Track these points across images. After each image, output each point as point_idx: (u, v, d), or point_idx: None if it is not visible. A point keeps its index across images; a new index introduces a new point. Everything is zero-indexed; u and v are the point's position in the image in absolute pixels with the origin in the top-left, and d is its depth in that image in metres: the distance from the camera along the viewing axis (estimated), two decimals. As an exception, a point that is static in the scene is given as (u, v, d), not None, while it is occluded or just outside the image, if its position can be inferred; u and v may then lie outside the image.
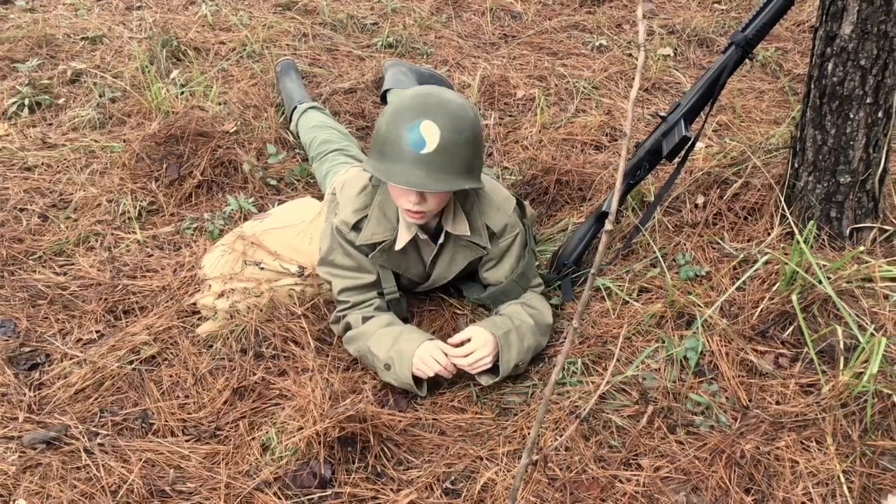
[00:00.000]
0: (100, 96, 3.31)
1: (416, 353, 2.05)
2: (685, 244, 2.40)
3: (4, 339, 2.25)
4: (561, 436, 1.94)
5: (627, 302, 2.28)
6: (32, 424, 2.01)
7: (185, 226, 2.67)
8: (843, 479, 1.78)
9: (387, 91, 3.17)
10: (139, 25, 3.85)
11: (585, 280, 2.39)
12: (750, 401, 1.99)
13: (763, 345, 2.10)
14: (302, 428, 1.93)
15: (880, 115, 2.14)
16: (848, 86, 2.12)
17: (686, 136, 2.28)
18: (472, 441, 1.98)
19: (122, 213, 2.72)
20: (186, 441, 1.99)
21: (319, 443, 1.88)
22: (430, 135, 1.94)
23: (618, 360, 2.12)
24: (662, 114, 2.41)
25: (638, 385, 2.05)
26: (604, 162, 2.88)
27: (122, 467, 1.88)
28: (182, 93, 3.29)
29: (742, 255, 2.29)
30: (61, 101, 3.31)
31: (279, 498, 1.83)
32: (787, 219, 2.30)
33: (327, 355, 2.20)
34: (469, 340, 2.08)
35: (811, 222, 2.20)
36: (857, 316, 2.03)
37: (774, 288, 2.15)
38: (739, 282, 2.19)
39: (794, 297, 2.04)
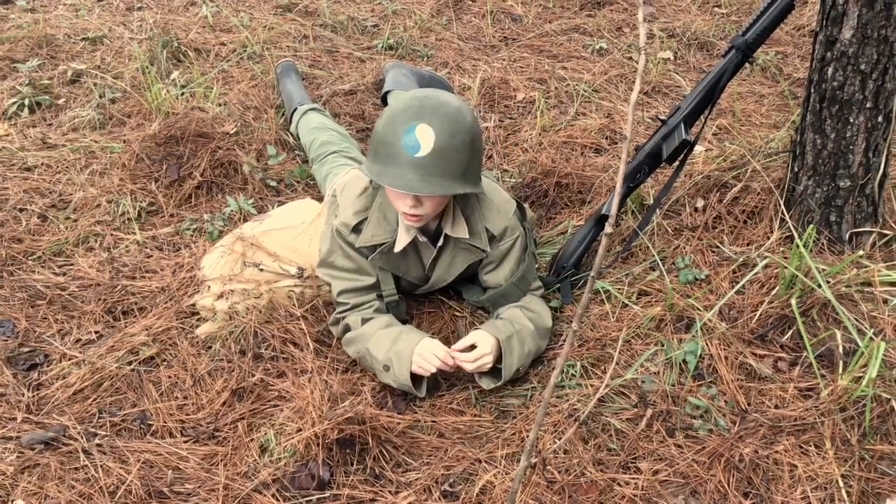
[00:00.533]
0: (100, 97, 3.31)
1: (416, 349, 2.05)
2: (685, 247, 2.40)
3: (3, 339, 2.25)
4: (560, 439, 1.94)
5: (627, 305, 2.28)
6: (31, 425, 2.01)
7: (184, 227, 2.67)
8: (841, 484, 1.78)
9: (387, 93, 3.17)
10: (140, 26, 3.85)
11: (585, 283, 2.40)
12: (749, 404, 1.99)
13: (762, 349, 2.10)
14: (300, 429, 1.93)
15: (880, 119, 2.14)
16: (848, 90, 2.12)
17: (686, 139, 2.29)
18: (470, 443, 1.98)
19: (121, 213, 2.72)
20: (185, 442, 1.98)
21: (318, 444, 1.88)
22: (425, 138, 1.94)
23: (617, 364, 2.12)
24: (662, 117, 2.41)
25: (637, 388, 2.05)
26: (603, 165, 2.88)
27: (121, 468, 1.88)
28: (182, 94, 3.29)
29: (741, 259, 2.29)
30: (61, 101, 3.31)
31: (277, 499, 1.83)
32: (787, 223, 2.30)
33: (326, 357, 2.20)
34: (474, 346, 2.08)
35: (811, 226, 2.20)
36: (857, 320, 2.03)
37: (774, 292, 2.15)
38: (739, 285, 2.19)
39: (793, 301, 2.04)
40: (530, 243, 2.29)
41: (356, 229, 2.15)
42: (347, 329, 2.17)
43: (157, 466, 1.91)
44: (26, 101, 3.26)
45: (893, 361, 1.96)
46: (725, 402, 2.00)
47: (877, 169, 2.22)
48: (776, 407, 1.97)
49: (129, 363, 2.17)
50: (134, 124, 3.15)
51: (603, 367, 2.14)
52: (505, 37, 3.93)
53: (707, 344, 2.10)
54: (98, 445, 1.95)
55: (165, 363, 2.19)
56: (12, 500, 1.81)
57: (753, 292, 2.20)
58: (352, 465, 1.90)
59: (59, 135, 3.13)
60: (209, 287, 2.31)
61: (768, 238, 2.32)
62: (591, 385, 2.10)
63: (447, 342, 2.20)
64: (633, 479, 1.84)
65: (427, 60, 3.69)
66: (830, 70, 2.13)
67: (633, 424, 1.98)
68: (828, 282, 2.07)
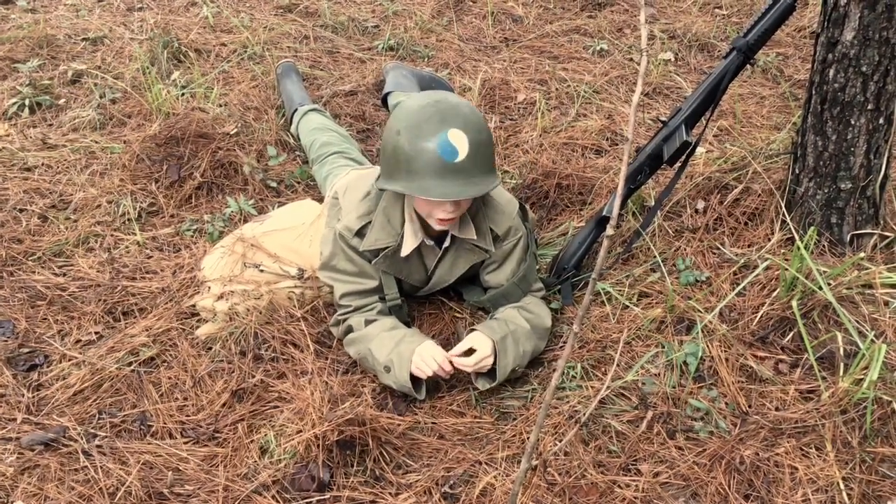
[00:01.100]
0: (100, 97, 3.31)
1: (416, 351, 2.05)
2: (685, 249, 2.40)
3: (3, 339, 2.25)
4: (560, 440, 1.94)
5: (627, 307, 2.28)
6: (31, 426, 2.01)
7: (184, 227, 2.67)
8: (842, 486, 1.77)
9: (388, 94, 3.16)
10: (140, 26, 3.85)
11: (585, 284, 2.39)
12: (749, 407, 1.98)
13: (763, 350, 2.10)
14: (301, 431, 1.93)
15: (881, 121, 2.14)
16: (849, 92, 2.12)
17: (687, 140, 2.28)
18: (471, 445, 1.98)
19: (121, 214, 2.72)
20: (185, 443, 1.98)
21: (318, 446, 1.88)
22: (460, 142, 1.94)
23: (617, 365, 2.12)
24: (663, 118, 2.41)
25: (637, 390, 2.05)
26: (604, 166, 2.88)
27: (121, 469, 1.88)
28: (183, 94, 3.29)
29: (742, 261, 2.28)
30: (62, 101, 3.31)
31: (277, 501, 1.82)
32: (788, 224, 2.30)
33: (326, 358, 2.19)
34: (472, 349, 2.07)
35: (812, 228, 2.20)
36: (858, 322, 2.03)
37: (774, 294, 2.15)
38: (739, 287, 2.19)
39: (794, 303, 2.04)
40: (532, 244, 2.29)
41: (359, 233, 2.14)
42: (350, 330, 2.17)
43: (156, 468, 1.91)
44: (27, 102, 3.26)
45: (894, 364, 1.96)
46: (726, 404, 2.00)
47: (878, 171, 2.21)
48: (777, 409, 1.97)
49: (129, 364, 2.17)
50: (134, 125, 3.15)
51: (603, 369, 2.14)
52: (505, 38, 3.93)
53: (708, 346, 2.10)
54: (98, 446, 1.95)
55: (165, 364, 2.19)
56: (12, 502, 1.81)
57: (754, 294, 2.19)
58: (352, 466, 1.90)
59: (60, 135, 3.13)
60: (209, 288, 2.31)
61: (769, 240, 2.32)
62: (592, 387, 2.09)
63: (447, 344, 2.20)
64: (634, 481, 1.84)
65: (428, 61, 3.69)
66: (832, 72, 2.12)
67: (633, 426, 1.98)
68: (829, 284, 2.07)
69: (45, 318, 2.32)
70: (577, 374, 2.13)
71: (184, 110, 3.11)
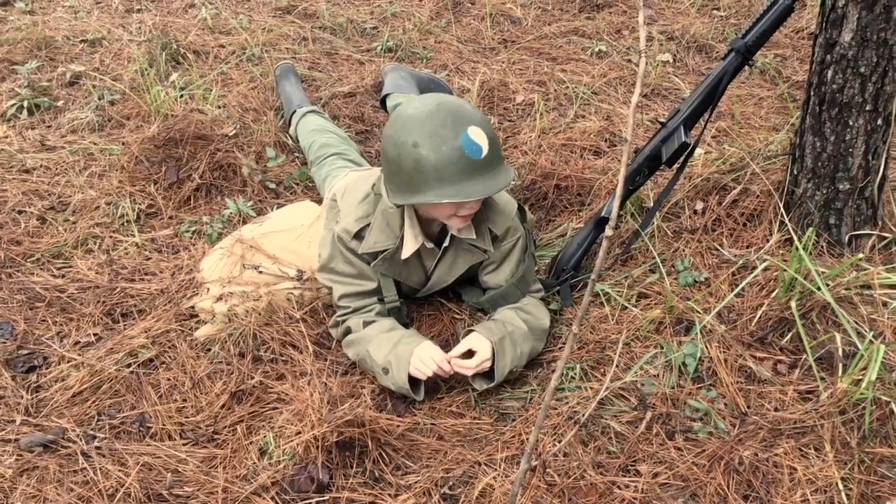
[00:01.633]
0: (99, 99, 3.31)
1: (415, 352, 2.05)
2: (684, 250, 2.40)
3: (2, 341, 2.24)
4: (559, 441, 1.94)
5: (626, 307, 2.28)
6: (29, 427, 2.00)
7: (183, 229, 2.67)
8: (841, 487, 1.78)
9: (387, 95, 3.16)
10: (138, 28, 3.85)
11: (584, 285, 2.39)
12: (748, 407, 1.99)
13: (762, 351, 2.10)
14: (300, 432, 1.93)
15: (879, 122, 2.14)
16: (847, 93, 2.12)
17: (685, 141, 2.28)
18: (470, 446, 1.98)
19: (120, 215, 2.72)
20: (184, 445, 1.98)
21: (317, 447, 1.88)
22: (480, 138, 1.95)
23: (616, 366, 2.12)
24: (662, 119, 2.41)
25: (636, 391, 2.05)
26: (603, 167, 2.88)
27: (120, 471, 1.88)
28: (181, 96, 3.29)
29: (741, 262, 2.29)
30: (60, 103, 3.31)
31: (276, 502, 1.82)
32: (786, 225, 2.30)
33: (326, 359, 2.19)
34: (471, 351, 2.07)
35: (810, 229, 2.20)
36: (856, 323, 2.03)
37: (773, 294, 2.15)
38: (738, 288, 2.19)
39: (792, 304, 2.04)
40: (530, 244, 2.29)
41: (358, 236, 2.14)
42: (348, 331, 2.17)
43: (156, 469, 1.90)
44: (25, 103, 3.25)
45: (893, 364, 1.96)
46: (725, 404, 2.00)
47: (876, 172, 2.22)
48: (776, 410, 1.97)
49: (128, 365, 2.17)
50: (133, 126, 3.15)
51: (602, 370, 2.14)
52: (504, 39, 3.93)
53: (707, 346, 2.10)
54: (97, 448, 1.95)
55: (164, 365, 2.18)
56: (11, 503, 1.80)
57: (753, 295, 2.19)
58: (351, 467, 1.90)
59: (58, 137, 3.12)
60: (208, 289, 2.31)
61: (768, 241, 2.32)
62: (591, 387, 2.09)
63: (446, 345, 2.20)
64: (633, 481, 1.84)
65: (426, 63, 3.69)
66: (830, 73, 2.13)
67: (632, 427, 1.98)
68: (827, 284, 2.07)
69: (43, 320, 2.32)
70: (576, 374, 2.13)
71: (182, 112, 3.11)
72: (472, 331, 2.14)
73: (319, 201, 2.65)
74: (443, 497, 1.85)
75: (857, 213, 2.26)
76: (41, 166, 2.95)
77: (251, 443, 1.97)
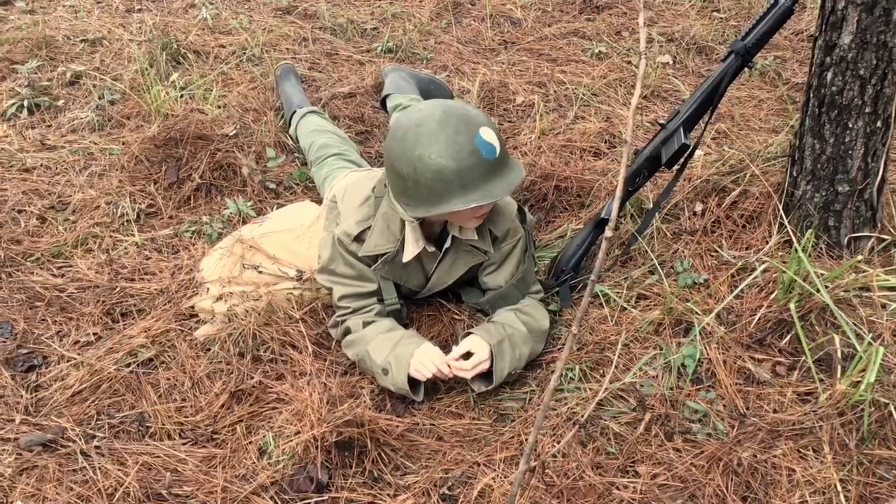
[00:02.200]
0: (99, 98, 3.31)
1: (415, 353, 2.05)
2: (683, 251, 2.40)
3: (1, 340, 2.25)
4: (559, 442, 1.94)
5: (625, 309, 2.28)
6: (29, 426, 2.00)
7: (183, 229, 2.67)
8: (839, 488, 1.78)
9: (387, 96, 3.17)
10: (139, 28, 3.85)
11: (584, 286, 2.40)
12: (747, 409, 1.99)
13: (761, 353, 2.10)
14: (299, 432, 1.93)
15: (879, 124, 2.15)
16: (847, 95, 2.12)
17: (685, 143, 2.29)
18: (469, 447, 1.98)
19: (120, 215, 2.72)
20: (183, 444, 1.98)
21: (317, 447, 1.88)
22: (492, 136, 1.97)
23: (616, 367, 2.12)
24: (662, 121, 2.41)
25: (635, 392, 2.05)
26: (602, 168, 2.89)
27: (119, 470, 1.88)
28: (181, 96, 3.29)
29: (740, 263, 2.29)
30: (60, 102, 3.31)
31: (276, 502, 1.83)
32: (786, 227, 2.31)
33: (325, 359, 2.20)
34: (470, 353, 2.08)
35: (809, 231, 2.21)
36: (855, 325, 2.04)
37: (772, 296, 2.15)
38: (737, 290, 2.20)
39: (791, 306, 2.04)
40: (530, 245, 2.30)
41: (358, 238, 2.14)
42: (348, 332, 2.17)
43: (155, 468, 1.91)
44: (25, 103, 3.25)
45: (892, 366, 1.97)
46: (724, 406, 2.00)
47: (875, 174, 2.22)
48: (774, 411, 1.97)
49: (128, 365, 2.17)
50: (133, 126, 3.15)
51: (602, 371, 2.14)
52: (504, 40, 3.93)
53: (706, 348, 2.10)
54: (96, 447, 1.95)
55: (164, 365, 2.19)
56: (11, 502, 1.80)
57: (752, 296, 2.20)
58: (350, 467, 1.90)
59: (59, 136, 3.13)
60: (208, 289, 2.31)
61: (767, 242, 2.33)
62: (590, 389, 2.10)
63: (446, 346, 2.21)
64: (632, 482, 1.84)
65: (426, 64, 3.69)
66: (829, 75, 2.13)
67: (631, 428, 1.98)
68: (826, 286, 2.07)
69: (43, 319, 2.32)
70: (575, 375, 2.13)
71: (183, 112, 3.12)
72: (470, 333, 2.14)
73: (319, 202, 2.65)
74: (442, 497, 1.85)
75: (856, 215, 2.26)
76: (41, 166, 2.95)
77: (250, 442, 1.97)
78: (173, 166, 2.83)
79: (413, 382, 2.07)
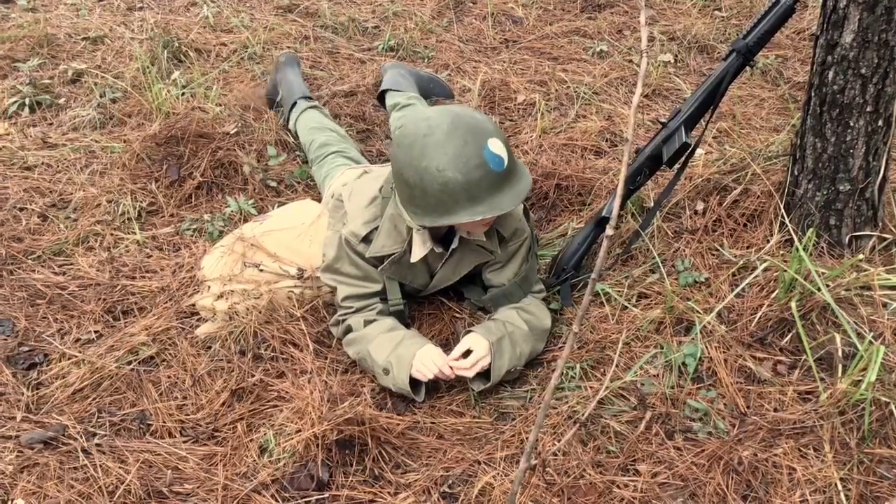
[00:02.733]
0: (100, 96, 3.31)
1: (417, 355, 2.05)
2: (684, 250, 2.40)
3: (3, 338, 2.25)
4: (559, 440, 1.94)
5: (626, 307, 2.28)
6: (30, 424, 2.01)
7: (184, 227, 2.67)
8: (840, 487, 1.78)
9: (385, 92, 3.16)
10: (140, 26, 3.85)
11: (585, 285, 2.40)
12: (748, 407, 1.99)
13: (761, 352, 2.10)
14: (300, 430, 1.93)
15: (880, 123, 2.15)
16: (848, 94, 2.12)
17: (686, 142, 2.29)
18: (469, 445, 1.98)
19: (121, 213, 2.72)
20: (184, 442, 1.98)
21: (317, 445, 1.88)
22: (500, 148, 1.95)
23: (616, 366, 2.12)
24: (663, 120, 2.41)
25: (636, 391, 2.05)
26: (604, 167, 2.89)
27: (120, 468, 1.88)
28: (183, 94, 3.29)
29: (741, 262, 2.29)
30: (62, 100, 3.32)
31: (276, 500, 1.83)
32: (787, 226, 2.30)
33: (326, 358, 2.20)
34: (470, 351, 2.08)
35: (810, 230, 2.21)
36: (856, 324, 2.03)
37: (773, 295, 2.15)
38: (738, 288, 2.20)
39: (792, 305, 2.04)
40: (534, 244, 2.30)
41: (366, 239, 2.14)
42: (349, 330, 2.17)
43: (156, 466, 1.91)
44: (27, 101, 3.26)
45: (892, 365, 1.97)
46: (725, 404, 2.00)
47: (877, 173, 2.22)
48: (775, 410, 1.97)
49: (129, 363, 2.17)
50: (134, 124, 3.15)
51: (602, 370, 2.14)
52: (506, 39, 3.93)
53: (706, 347, 2.10)
54: (97, 445, 1.95)
55: (165, 363, 2.19)
56: (12, 500, 1.81)
57: (753, 295, 2.20)
58: (351, 465, 1.90)
59: (60, 134, 3.13)
60: (209, 287, 2.31)
61: (768, 241, 2.33)
62: (591, 387, 2.10)
63: (447, 344, 2.21)
64: (633, 481, 1.84)
65: (428, 62, 3.69)
66: (831, 74, 2.13)
67: (632, 427, 1.98)
68: (827, 285, 2.07)
69: (44, 317, 2.32)
70: (576, 374, 2.14)
71: (184, 110, 3.11)
72: (471, 331, 2.14)
73: (320, 200, 2.65)
74: (442, 495, 1.85)
75: (857, 214, 2.26)
76: (43, 164, 2.95)
77: (251, 440, 1.97)
78: (174, 164, 2.83)
79: (414, 382, 2.07)
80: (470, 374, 2.06)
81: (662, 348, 2.13)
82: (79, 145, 3.05)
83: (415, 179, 1.95)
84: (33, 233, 2.63)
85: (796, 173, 2.30)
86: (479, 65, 3.66)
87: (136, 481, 1.84)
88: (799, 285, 2.09)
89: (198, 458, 1.94)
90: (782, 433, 1.90)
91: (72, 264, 2.52)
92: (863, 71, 2.08)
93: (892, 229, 2.31)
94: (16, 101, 3.25)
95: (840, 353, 1.98)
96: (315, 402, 1.98)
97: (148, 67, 3.36)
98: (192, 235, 2.64)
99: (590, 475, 1.85)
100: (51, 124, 3.20)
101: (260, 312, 2.24)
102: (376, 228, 2.13)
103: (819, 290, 2.05)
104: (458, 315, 2.36)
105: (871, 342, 1.96)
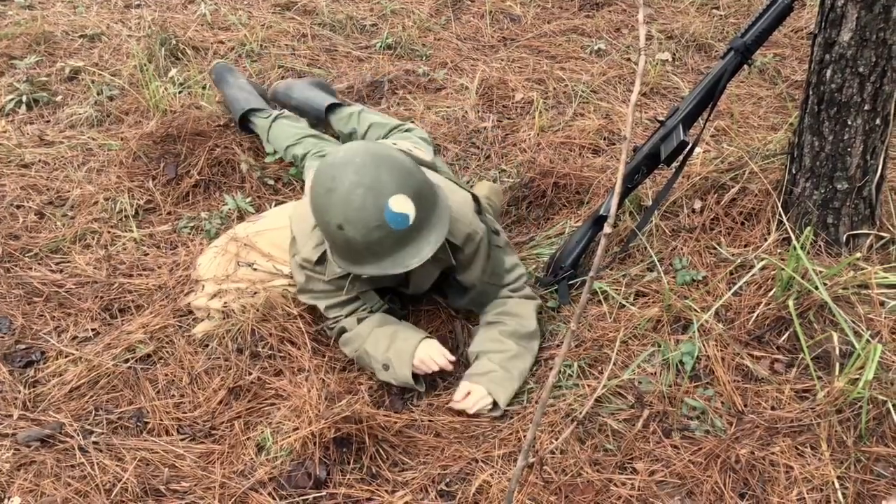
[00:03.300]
0: (98, 94, 3.30)
1: (419, 348, 2.06)
2: (682, 249, 2.40)
3: (0, 335, 2.25)
4: (557, 439, 1.94)
5: (624, 306, 2.28)
6: (27, 422, 2.00)
7: (181, 225, 2.67)
8: (837, 485, 1.78)
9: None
10: (138, 24, 3.85)
11: (582, 283, 2.40)
12: (745, 406, 1.99)
13: (759, 350, 2.10)
14: (297, 428, 1.93)
15: (878, 122, 2.15)
16: (846, 92, 2.12)
17: (684, 140, 2.29)
18: (467, 443, 1.98)
19: (118, 211, 2.71)
20: (181, 440, 1.98)
21: (315, 443, 1.88)
22: (404, 205, 1.90)
23: (614, 364, 2.12)
24: (661, 118, 2.41)
25: (634, 389, 2.05)
26: (601, 165, 2.88)
27: (117, 466, 1.88)
28: (180, 91, 3.28)
29: (739, 261, 2.29)
30: (59, 98, 3.31)
31: (274, 498, 1.83)
32: (784, 224, 2.30)
33: (323, 355, 2.20)
34: (469, 393, 2.07)
35: (808, 228, 2.21)
36: (853, 322, 2.04)
37: (771, 293, 2.15)
38: (736, 287, 2.20)
39: (790, 303, 2.04)
40: (492, 236, 2.24)
41: (320, 261, 2.12)
42: (343, 331, 2.17)
43: (153, 464, 1.91)
44: (24, 98, 3.25)
45: (890, 364, 1.97)
46: (722, 403, 2.00)
47: (874, 171, 2.22)
48: (773, 408, 1.97)
49: (126, 361, 2.17)
50: (132, 122, 3.14)
51: (600, 368, 2.14)
52: (504, 37, 3.93)
53: (704, 345, 2.10)
54: (94, 443, 1.95)
55: (162, 361, 2.19)
56: (8, 497, 1.80)
57: (750, 294, 2.20)
58: (348, 463, 1.90)
59: (57, 132, 3.12)
60: (203, 287, 2.31)
61: (765, 240, 2.33)
62: (588, 385, 2.10)
63: (444, 342, 2.21)
64: (630, 479, 1.84)
65: (425, 60, 3.69)
66: (829, 72, 2.13)
67: (629, 425, 1.98)
68: (825, 284, 2.07)
69: (41, 315, 2.32)
70: (573, 372, 2.13)
71: (181, 108, 3.11)
72: (466, 381, 2.11)
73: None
74: (440, 493, 1.85)
75: (854, 212, 2.26)
76: (40, 161, 2.94)
77: (248, 438, 1.97)
78: (172, 162, 2.83)
79: (414, 375, 2.07)
80: (472, 411, 2.05)
81: (660, 347, 2.13)
82: (76, 143, 3.05)
83: (323, 228, 1.97)
84: (30, 230, 2.63)
85: (794, 172, 2.31)
86: (477, 63, 3.66)
87: (133, 479, 1.84)
88: (796, 284, 2.09)
89: (195, 456, 1.93)
90: (779, 431, 1.90)
91: (69, 262, 2.52)
92: (861, 69, 2.08)
93: (890, 228, 2.31)
94: (13, 99, 3.25)
95: (837, 352, 1.98)
96: (312, 400, 1.98)
97: (145, 65, 3.35)
98: (189, 233, 2.64)
99: (587, 473, 1.85)
100: (48, 122, 3.19)
101: (257, 310, 2.24)
102: (326, 251, 2.10)
103: (816, 288, 2.05)
104: (455, 312, 2.36)
105: (868, 340, 1.96)
